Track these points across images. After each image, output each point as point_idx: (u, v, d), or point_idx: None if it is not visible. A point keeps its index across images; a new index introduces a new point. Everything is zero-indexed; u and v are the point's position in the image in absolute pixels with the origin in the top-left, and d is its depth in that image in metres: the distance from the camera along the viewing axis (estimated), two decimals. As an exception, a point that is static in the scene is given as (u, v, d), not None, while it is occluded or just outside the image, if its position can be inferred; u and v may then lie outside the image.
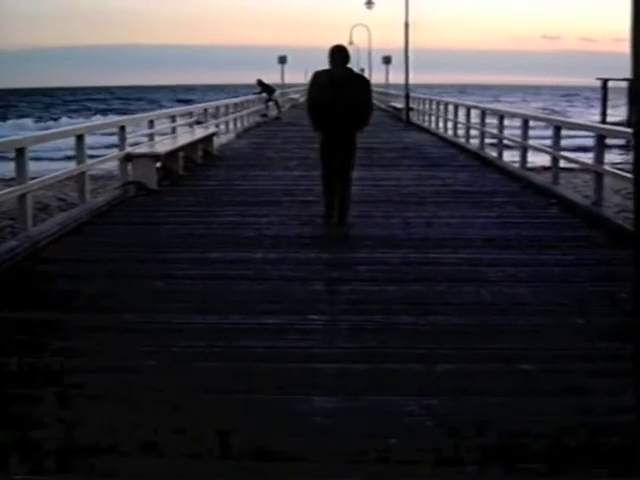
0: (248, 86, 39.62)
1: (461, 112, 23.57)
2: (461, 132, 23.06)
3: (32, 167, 9.46)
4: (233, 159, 18.86)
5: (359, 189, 13.24)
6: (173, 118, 18.26)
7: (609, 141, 11.80)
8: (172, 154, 15.00)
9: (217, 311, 6.42)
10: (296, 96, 53.88)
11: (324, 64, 9.83)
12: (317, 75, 9.74)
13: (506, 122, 18.04)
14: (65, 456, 3.97)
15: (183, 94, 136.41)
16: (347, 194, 10.10)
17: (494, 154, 17.94)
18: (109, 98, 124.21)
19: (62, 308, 6.57)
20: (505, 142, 17.74)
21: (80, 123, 17.30)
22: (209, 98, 68.90)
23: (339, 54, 9.63)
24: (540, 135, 18.83)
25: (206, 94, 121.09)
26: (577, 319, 6.18)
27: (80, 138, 11.28)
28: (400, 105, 36.49)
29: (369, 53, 68.90)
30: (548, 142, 14.09)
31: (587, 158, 13.01)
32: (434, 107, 28.84)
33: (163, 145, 15.31)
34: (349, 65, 9.82)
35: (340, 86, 9.52)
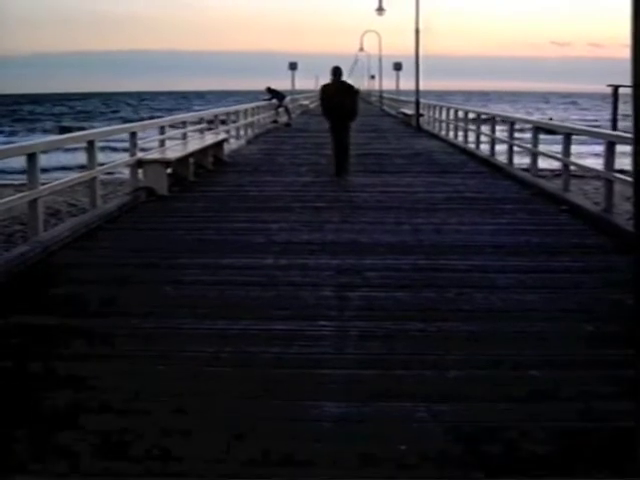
0: (259, 92, 39.70)
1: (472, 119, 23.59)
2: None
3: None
4: (243, 165, 18.89)
5: (370, 195, 13.33)
6: (184, 124, 18.35)
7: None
8: (183, 160, 15.04)
9: (226, 317, 6.43)
10: (306, 102, 53.89)
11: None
12: (324, 86, 16.45)
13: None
14: (73, 459, 3.98)
15: (185, 101, 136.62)
16: (346, 156, 16.42)
17: (504, 160, 17.91)
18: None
19: (72, 313, 6.59)
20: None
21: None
22: (215, 105, 68.92)
23: (337, 72, 16.08)
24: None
25: (211, 100, 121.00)
26: (586, 326, 6.17)
27: (91, 144, 11.33)
28: (410, 111, 36.51)
29: (379, 59, 69.20)
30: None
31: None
32: (444, 114, 28.85)
33: (174, 151, 15.37)
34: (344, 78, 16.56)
35: (337, 93, 15.93)
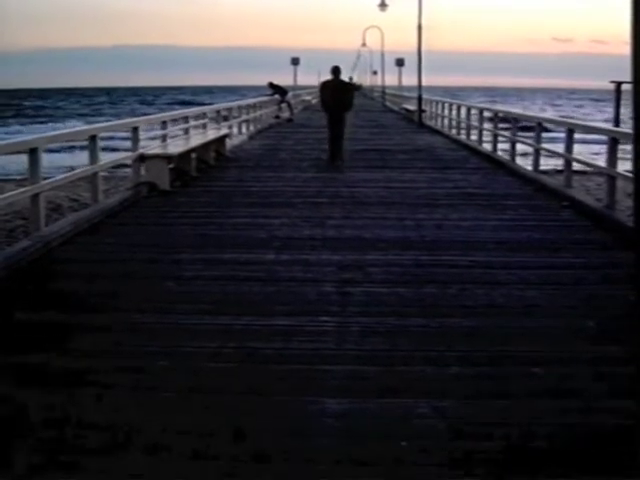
0: (261, 88, 39.69)
1: (474, 115, 23.57)
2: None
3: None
4: (245, 160, 18.88)
5: (372, 191, 13.32)
6: (186, 119, 18.36)
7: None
8: (185, 155, 15.03)
9: (228, 312, 6.43)
10: (308, 98, 53.81)
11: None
12: (324, 82, 18.52)
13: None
14: (73, 455, 3.98)
15: (191, 95, 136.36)
16: (341, 145, 18.17)
17: (507, 157, 17.89)
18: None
19: (74, 308, 6.59)
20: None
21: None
22: (226, 100, 68.81)
23: (336, 70, 17.95)
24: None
25: (219, 96, 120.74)
26: (588, 322, 6.16)
27: (93, 138, 11.32)
28: (412, 107, 36.48)
29: (382, 55, 68.95)
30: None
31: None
32: (446, 109, 28.81)
33: (176, 146, 15.35)
34: (342, 75, 18.61)
35: (335, 89, 17.81)
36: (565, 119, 19.68)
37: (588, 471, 3.87)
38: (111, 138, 25.51)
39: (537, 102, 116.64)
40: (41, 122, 65.55)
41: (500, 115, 20.45)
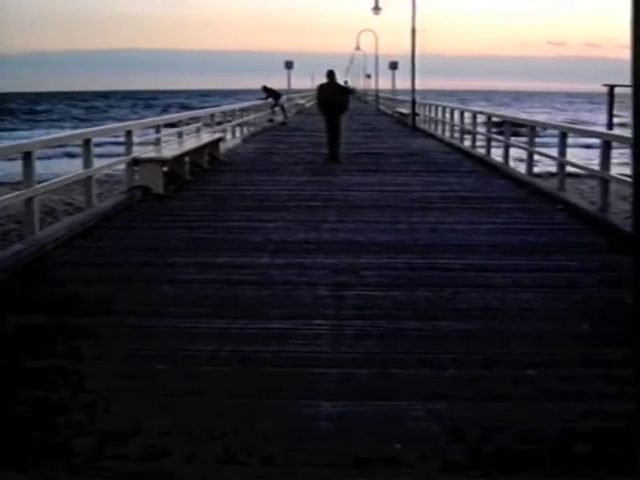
0: (256, 91, 39.67)
1: (467, 119, 23.60)
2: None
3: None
4: (239, 164, 18.88)
5: (366, 194, 13.32)
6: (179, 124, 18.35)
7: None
8: (178, 159, 15.03)
9: (223, 316, 6.43)
10: (302, 101, 53.87)
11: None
12: (321, 85, 19.23)
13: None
14: (70, 459, 3.98)
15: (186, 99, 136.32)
16: (337, 145, 19.02)
17: (500, 159, 17.92)
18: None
19: (68, 312, 6.58)
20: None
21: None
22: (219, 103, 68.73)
23: (331, 74, 18.86)
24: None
25: (216, 99, 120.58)
26: (582, 325, 6.18)
27: (87, 142, 11.32)
28: (406, 111, 36.52)
29: (376, 58, 69.04)
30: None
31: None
32: (440, 113, 28.83)
33: (169, 150, 15.34)
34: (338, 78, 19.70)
35: (331, 92, 18.73)
36: (565, 123, 19.70)
37: (588, 472, 3.88)
38: (110, 143, 25.44)
39: (535, 105, 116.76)
40: (38, 126, 65.33)
41: (494, 120, 20.48)
